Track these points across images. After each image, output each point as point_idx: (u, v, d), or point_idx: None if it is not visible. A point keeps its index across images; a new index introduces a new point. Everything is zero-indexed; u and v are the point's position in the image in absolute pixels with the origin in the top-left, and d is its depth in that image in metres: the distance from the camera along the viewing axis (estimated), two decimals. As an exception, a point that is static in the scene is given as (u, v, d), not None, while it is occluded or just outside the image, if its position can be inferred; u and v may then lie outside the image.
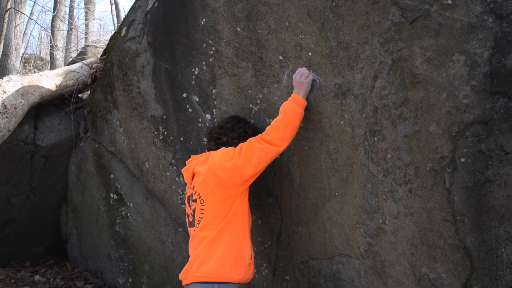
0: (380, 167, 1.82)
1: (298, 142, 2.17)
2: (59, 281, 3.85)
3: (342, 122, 1.97)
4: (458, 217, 1.60)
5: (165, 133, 2.98)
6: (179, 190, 2.97)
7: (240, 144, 2.07)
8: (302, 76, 2.03)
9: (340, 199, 2.04)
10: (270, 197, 2.40)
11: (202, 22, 2.55)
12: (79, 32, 15.11)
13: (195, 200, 2.14)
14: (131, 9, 3.31)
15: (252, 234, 2.29)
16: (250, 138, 2.07)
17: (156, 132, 3.05)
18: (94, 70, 4.14)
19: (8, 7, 8.53)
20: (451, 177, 1.60)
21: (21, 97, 3.46)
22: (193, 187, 2.17)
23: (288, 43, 2.14)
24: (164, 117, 2.96)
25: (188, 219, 2.20)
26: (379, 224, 1.85)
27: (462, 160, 1.57)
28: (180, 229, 3.06)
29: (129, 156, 3.37)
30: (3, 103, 3.28)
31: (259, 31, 2.26)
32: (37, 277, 3.87)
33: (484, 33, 1.49)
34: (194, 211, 2.12)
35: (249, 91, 2.39)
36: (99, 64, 4.19)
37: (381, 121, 1.80)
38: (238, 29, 2.37)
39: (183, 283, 2.08)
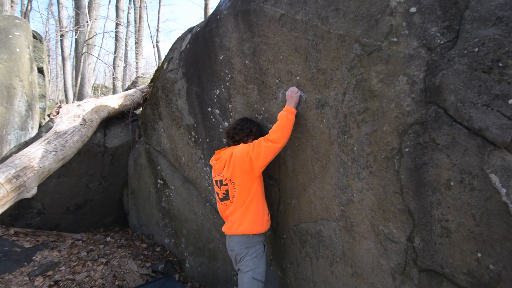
0: (349, 156, 1.83)
1: (290, 140, 2.18)
2: (123, 241, 3.88)
3: (321, 125, 1.98)
4: (404, 190, 1.61)
5: (196, 136, 3.00)
6: (206, 176, 2.99)
7: (254, 142, 2.12)
8: (293, 92, 2.05)
9: (321, 180, 2.05)
10: (271, 180, 2.42)
11: (221, 57, 2.57)
12: (132, 67, 15.18)
13: (226, 184, 2.17)
14: (170, 50, 3.35)
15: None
16: (260, 138, 2.10)
17: (189, 136, 3.08)
18: (144, 93, 4.18)
19: (83, 51, 8.62)
20: (399, 162, 1.61)
21: (95, 113, 3.50)
22: (223, 175, 2.20)
23: (282, 70, 2.16)
24: (195, 125, 2.98)
25: (219, 196, 2.25)
26: (349, 197, 1.86)
27: (406, 150, 1.58)
28: (207, 204, 3.08)
29: (170, 153, 3.40)
30: (83, 118, 3.32)
31: (261, 63, 2.28)
32: (108, 239, 3.91)
33: (419, 61, 1.51)
34: (227, 191, 2.18)
35: (255, 105, 2.41)
36: (148, 89, 4.23)
37: (349, 124, 1.81)
38: (246, 61, 2.39)
39: (226, 233, 2.20)
